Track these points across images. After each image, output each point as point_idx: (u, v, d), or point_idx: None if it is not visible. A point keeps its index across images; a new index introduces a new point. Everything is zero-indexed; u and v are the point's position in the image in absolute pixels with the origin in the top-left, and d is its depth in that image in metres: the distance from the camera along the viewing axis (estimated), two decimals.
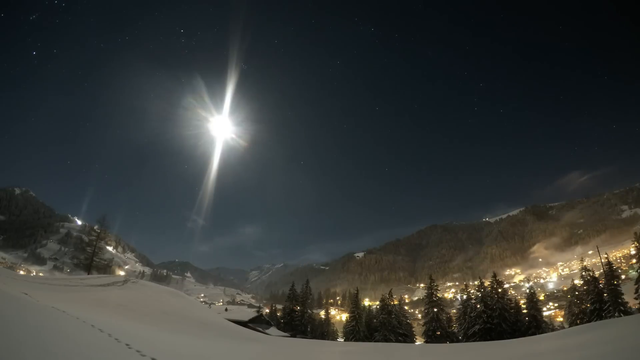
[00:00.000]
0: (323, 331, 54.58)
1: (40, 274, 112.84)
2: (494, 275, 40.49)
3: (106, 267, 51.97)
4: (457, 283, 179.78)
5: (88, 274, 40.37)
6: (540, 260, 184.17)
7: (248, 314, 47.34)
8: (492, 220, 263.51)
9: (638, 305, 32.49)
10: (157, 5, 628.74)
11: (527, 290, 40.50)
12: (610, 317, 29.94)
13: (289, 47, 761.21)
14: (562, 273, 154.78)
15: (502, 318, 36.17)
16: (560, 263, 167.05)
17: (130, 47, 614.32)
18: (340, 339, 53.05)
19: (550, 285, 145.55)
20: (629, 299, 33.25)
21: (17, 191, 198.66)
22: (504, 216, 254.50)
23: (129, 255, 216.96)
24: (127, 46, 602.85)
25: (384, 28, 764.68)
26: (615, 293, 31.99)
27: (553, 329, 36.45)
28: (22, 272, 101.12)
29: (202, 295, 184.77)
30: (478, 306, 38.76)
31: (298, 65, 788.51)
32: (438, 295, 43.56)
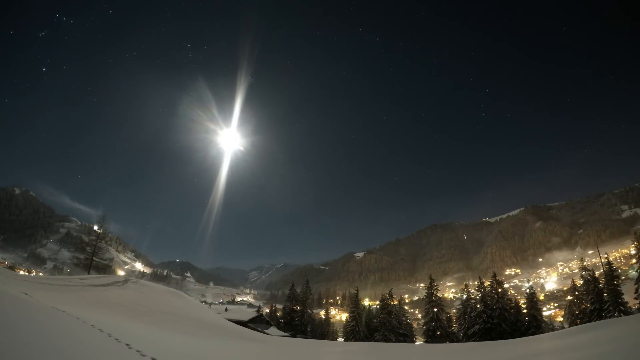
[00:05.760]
0: (323, 331, 54.58)
1: (40, 274, 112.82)
2: (494, 275, 40.44)
3: (106, 267, 51.86)
4: (457, 283, 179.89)
5: (88, 274, 40.35)
6: (540, 260, 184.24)
7: (248, 314, 47.34)
8: (492, 220, 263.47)
9: (638, 305, 32.48)
10: (164, 21, 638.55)
11: (527, 290, 40.47)
12: (610, 317, 29.92)
13: (295, 59, 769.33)
14: (562, 273, 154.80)
15: (502, 318, 36.16)
16: (560, 263, 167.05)
17: (137, 62, 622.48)
18: (340, 339, 53.04)
19: (550, 285, 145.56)
20: (629, 299, 33.25)
21: (17, 191, 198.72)
22: (504, 216, 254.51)
23: (129, 255, 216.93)
24: (134, 61, 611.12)
25: (389, 37, 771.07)
26: (615, 293, 31.98)
27: (553, 329, 36.44)
28: (22, 272, 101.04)
29: (202, 295, 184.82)
30: (478, 306, 38.76)
31: (304, 77, 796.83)
32: (438, 295, 43.56)
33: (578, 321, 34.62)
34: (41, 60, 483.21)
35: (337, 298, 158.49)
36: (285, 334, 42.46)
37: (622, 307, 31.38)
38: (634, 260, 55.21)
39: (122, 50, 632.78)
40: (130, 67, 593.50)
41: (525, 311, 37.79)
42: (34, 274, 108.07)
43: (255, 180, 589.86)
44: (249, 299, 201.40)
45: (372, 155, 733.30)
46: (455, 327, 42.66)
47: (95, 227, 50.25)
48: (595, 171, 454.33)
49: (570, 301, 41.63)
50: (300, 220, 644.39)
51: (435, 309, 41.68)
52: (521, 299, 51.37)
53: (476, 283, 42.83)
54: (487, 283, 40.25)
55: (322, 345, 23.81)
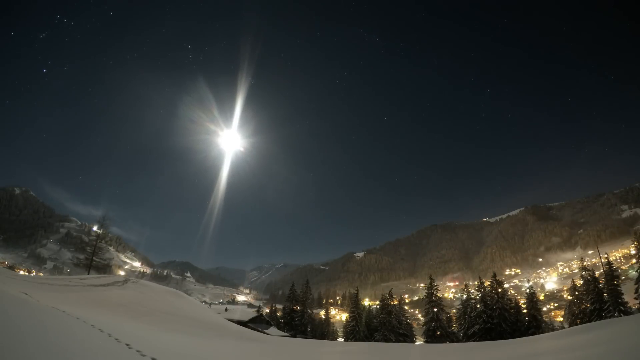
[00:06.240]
0: (323, 331, 54.56)
1: (40, 274, 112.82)
2: (494, 275, 40.45)
3: (106, 267, 51.94)
4: (457, 283, 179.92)
5: (88, 274, 40.35)
6: (540, 260, 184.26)
7: (248, 314, 47.33)
8: (492, 220, 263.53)
9: (638, 305, 32.50)
10: (164, 22, 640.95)
11: (527, 290, 40.47)
12: (610, 317, 29.92)
13: (296, 60, 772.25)
14: (562, 273, 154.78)
15: (502, 318, 36.16)
16: (560, 263, 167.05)
17: (138, 63, 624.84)
18: (340, 339, 53.04)
19: (550, 285, 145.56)
20: (629, 299, 33.26)
21: (17, 191, 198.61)
22: (504, 216, 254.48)
23: (129, 255, 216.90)
24: (135, 62, 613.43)
25: (389, 38, 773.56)
26: (615, 293, 31.99)
27: (553, 329, 36.43)
28: (22, 272, 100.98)
29: (202, 295, 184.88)
30: (478, 306, 38.77)
31: (305, 78, 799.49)
32: (438, 295, 43.55)
33: (578, 321, 34.59)
34: (42, 62, 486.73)
35: (337, 298, 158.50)
36: (285, 334, 42.46)
37: (622, 307, 31.38)
38: (634, 260, 55.26)
39: (123, 51, 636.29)
40: (130, 68, 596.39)
41: (525, 311, 37.79)
42: (34, 274, 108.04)
43: (256, 181, 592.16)
44: (249, 299, 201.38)
45: (372, 156, 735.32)
46: (455, 327, 42.65)
47: (95, 228, 50.26)
48: (595, 171, 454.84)
49: (570, 301, 41.63)
50: (300, 221, 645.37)
51: (435, 309, 41.67)
52: (521, 299, 51.37)
53: (476, 283, 42.84)
54: (487, 283, 40.25)
55: (322, 345, 23.81)
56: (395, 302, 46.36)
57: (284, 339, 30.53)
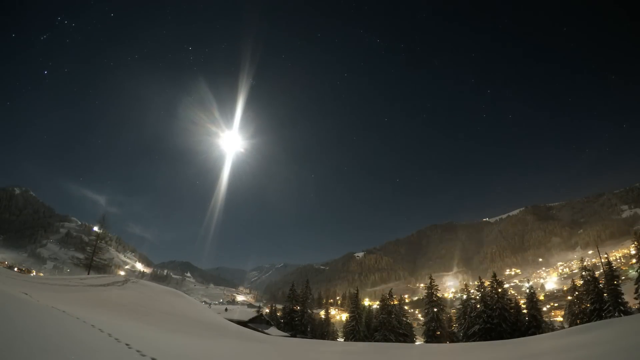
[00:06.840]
0: (323, 331, 54.55)
1: (40, 274, 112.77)
2: (494, 275, 40.44)
3: (106, 267, 51.97)
4: (457, 283, 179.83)
5: (88, 274, 40.35)
6: (540, 260, 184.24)
7: (248, 314, 47.35)
8: (492, 220, 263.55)
9: (638, 305, 32.50)
10: (165, 24, 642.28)
11: (527, 290, 40.46)
12: (610, 317, 29.92)
13: (297, 60, 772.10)
14: (562, 273, 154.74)
15: (502, 318, 36.15)
16: (560, 263, 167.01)
17: (139, 64, 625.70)
18: (340, 339, 53.01)
19: (550, 285, 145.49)
20: (629, 299, 33.25)
21: (17, 191, 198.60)
22: (504, 216, 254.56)
23: (129, 255, 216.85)
24: (136, 63, 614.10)
25: (390, 39, 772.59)
26: (615, 293, 31.99)
27: (553, 329, 36.43)
28: (17, 270, 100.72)
29: (202, 295, 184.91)
30: (478, 306, 38.77)
31: (306, 79, 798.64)
32: (438, 295, 43.55)
33: (578, 321, 34.58)
34: (43, 63, 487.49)
35: (337, 298, 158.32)
36: (285, 334, 42.43)
37: (622, 307, 31.38)
38: (634, 260, 55.26)
39: (124, 52, 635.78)
40: (131, 70, 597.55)
41: (525, 311, 37.78)
42: (34, 274, 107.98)
43: (257, 182, 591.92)
44: (249, 299, 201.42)
45: (373, 156, 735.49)
46: (455, 327, 42.66)
47: (96, 228, 50.28)
48: (595, 171, 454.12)
49: (570, 301, 41.64)
50: (301, 221, 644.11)
51: (435, 309, 41.67)
52: (521, 299, 51.34)
53: (476, 283, 42.83)
54: (487, 283, 40.24)
55: (322, 345, 23.81)
56: (395, 302, 46.33)
57: (284, 339, 30.51)
